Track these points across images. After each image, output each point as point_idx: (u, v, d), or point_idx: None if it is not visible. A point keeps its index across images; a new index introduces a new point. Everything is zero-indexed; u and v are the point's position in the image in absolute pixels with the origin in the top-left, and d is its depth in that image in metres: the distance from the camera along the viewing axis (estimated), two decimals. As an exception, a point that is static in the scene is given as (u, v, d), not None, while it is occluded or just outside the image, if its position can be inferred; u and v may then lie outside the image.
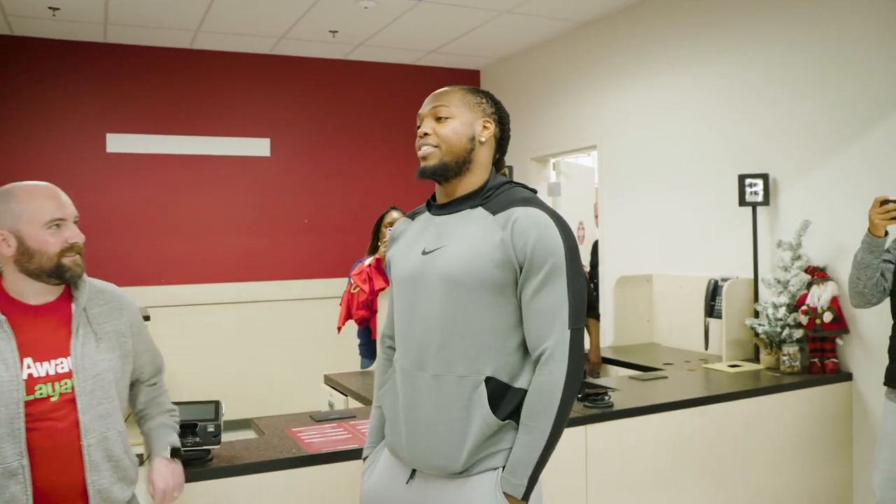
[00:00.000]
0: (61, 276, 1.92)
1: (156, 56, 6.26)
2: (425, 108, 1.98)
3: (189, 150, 6.36)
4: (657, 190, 5.13)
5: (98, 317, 1.99)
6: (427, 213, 2.04)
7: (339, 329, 4.13)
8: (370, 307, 3.96)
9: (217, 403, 2.41)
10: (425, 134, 1.94)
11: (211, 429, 2.35)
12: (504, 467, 1.83)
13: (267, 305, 6.54)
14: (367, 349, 4.28)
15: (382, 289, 3.90)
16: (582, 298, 1.85)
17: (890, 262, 3.08)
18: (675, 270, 4.96)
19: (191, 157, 6.38)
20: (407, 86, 7.05)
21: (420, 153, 1.95)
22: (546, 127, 6.30)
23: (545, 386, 1.79)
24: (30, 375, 1.85)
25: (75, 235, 1.94)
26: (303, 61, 6.73)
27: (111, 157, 6.13)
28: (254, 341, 6.48)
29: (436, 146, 1.92)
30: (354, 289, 3.94)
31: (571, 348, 1.80)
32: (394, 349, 2.15)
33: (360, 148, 6.93)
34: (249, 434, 2.99)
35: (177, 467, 2.09)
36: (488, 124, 1.98)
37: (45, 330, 1.91)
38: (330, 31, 5.93)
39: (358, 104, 6.93)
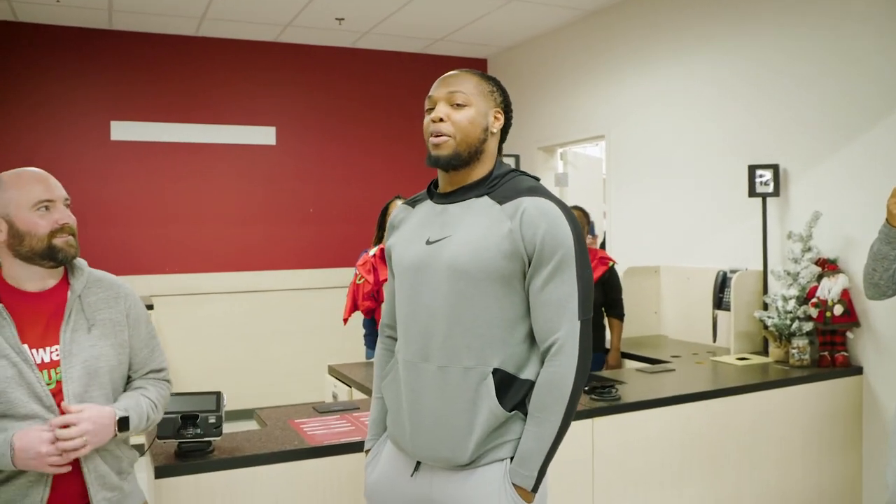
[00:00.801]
0: (54, 258, 1.90)
1: (161, 43, 6.22)
2: (439, 91, 1.90)
3: (194, 138, 6.33)
4: (665, 181, 5.07)
5: (93, 304, 1.97)
6: (429, 201, 1.99)
7: (346, 320, 4.10)
8: (376, 298, 3.92)
9: (218, 394, 2.38)
10: (440, 119, 1.86)
11: (212, 420, 2.32)
12: (512, 458, 1.81)
13: (271, 295, 6.50)
14: (373, 339, 4.24)
15: (387, 279, 3.86)
16: (590, 288, 1.82)
17: None
18: (683, 262, 4.91)
19: (195, 146, 6.34)
20: (413, 74, 7.00)
21: (433, 140, 1.87)
22: (553, 116, 6.24)
23: (556, 377, 1.77)
24: None
25: (65, 216, 1.92)
26: (309, 49, 6.68)
27: (116, 144, 6.10)
28: (257, 331, 6.44)
29: (450, 135, 1.86)
30: (360, 279, 3.90)
31: (581, 339, 1.78)
32: (394, 339, 2.12)
33: (366, 137, 6.88)
34: (252, 425, 2.97)
35: (104, 426, 1.84)
36: (499, 115, 1.93)
37: (41, 317, 1.90)
38: (336, 19, 5.87)
39: (364, 93, 6.88)
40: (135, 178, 6.15)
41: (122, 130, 6.11)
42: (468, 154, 1.87)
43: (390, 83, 6.95)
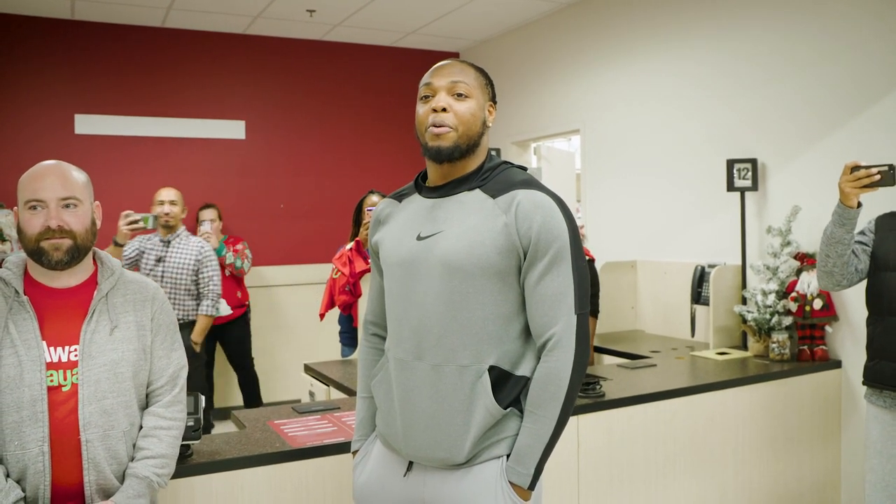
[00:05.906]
0: (40, 260, 1.83)
1: (126, 34, 6.05)
2: (440, 80, 1.83)
3: (161, 132, 6.17)
4: (642, 175, 5.05)
5: (119, 306, 1.90)
6: (417, 195, 1.93)
7: (322, 316, 4.00)
8: (352, 291, 3.84)
9: (196, 396, 2.28)
10: (443, 109, 1.80)
11: (190, 423, 2.22)
12: (508, 456, 1.77)
13: (242, 292, 6.37)
14: (349, 337, 4.16)
15: (364, 271, 3.78)
16: (586, 282, 1.78)
17: (864, 244, 2.85)
18: (660, 257, 4.89)
19: (162, 140, 6.19)
20: (385, 68, 6.91)
21: (434, 130, 1.80)
22: (528, 111, 6.19)
23: (553, 373, 1.73)
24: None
25: (58, 219, 1.83)
26: (279, 42, 6.56)
27: (80, 138, 5.92)
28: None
29: (452, 126, 1.80)
30: (336, 274, 3.82)
31: (578, 334, 1.74)
32: (379, 336, 2.07)
33: (338, 131, 6.77)
34: (228, 425, 2.88)
35: None
36: (492, 109, 1.90)
37: (62, 314, 1.84)
38: (307, 11, 5.76)
39: (335, 86, 6.77)
40: (100, 173, 5.92)
41: (87, 124, 5.93)
42: (467, 147, 1.82)
43: (362, 76, 6.85)
